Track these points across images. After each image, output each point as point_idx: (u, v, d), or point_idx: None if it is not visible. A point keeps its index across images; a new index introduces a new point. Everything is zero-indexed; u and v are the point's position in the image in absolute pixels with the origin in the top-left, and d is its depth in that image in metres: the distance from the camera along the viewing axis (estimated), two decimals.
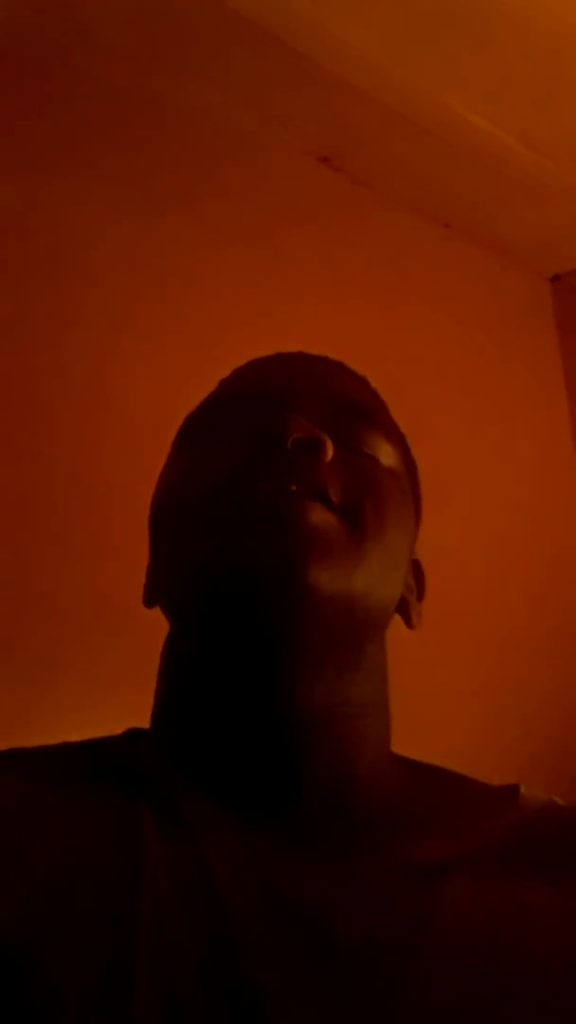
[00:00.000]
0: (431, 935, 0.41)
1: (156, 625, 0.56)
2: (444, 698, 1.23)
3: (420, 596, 0.60)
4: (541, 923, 0.43)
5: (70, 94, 1.15)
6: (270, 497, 0.47)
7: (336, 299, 1.33)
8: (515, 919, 0.43)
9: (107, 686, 0.90)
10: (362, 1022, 0.38)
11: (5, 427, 0.98)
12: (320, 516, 0.48)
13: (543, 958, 0.41)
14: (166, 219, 1.19)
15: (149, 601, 0.58)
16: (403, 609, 0.57)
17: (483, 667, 1.34)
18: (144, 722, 0.55)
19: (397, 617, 0.57)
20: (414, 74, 1.26)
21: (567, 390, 1.73)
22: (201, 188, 1.25)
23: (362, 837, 0.47)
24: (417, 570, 0.60)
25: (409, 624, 0.58)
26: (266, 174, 1.35)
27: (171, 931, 0.40)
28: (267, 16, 1.14)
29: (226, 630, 0.48)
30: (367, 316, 1.37)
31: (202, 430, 0.56)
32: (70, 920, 0.40)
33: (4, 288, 1.02)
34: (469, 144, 1.39)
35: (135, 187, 1.18)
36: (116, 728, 0.55)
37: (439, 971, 0.40)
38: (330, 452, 0.50)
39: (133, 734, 0.54)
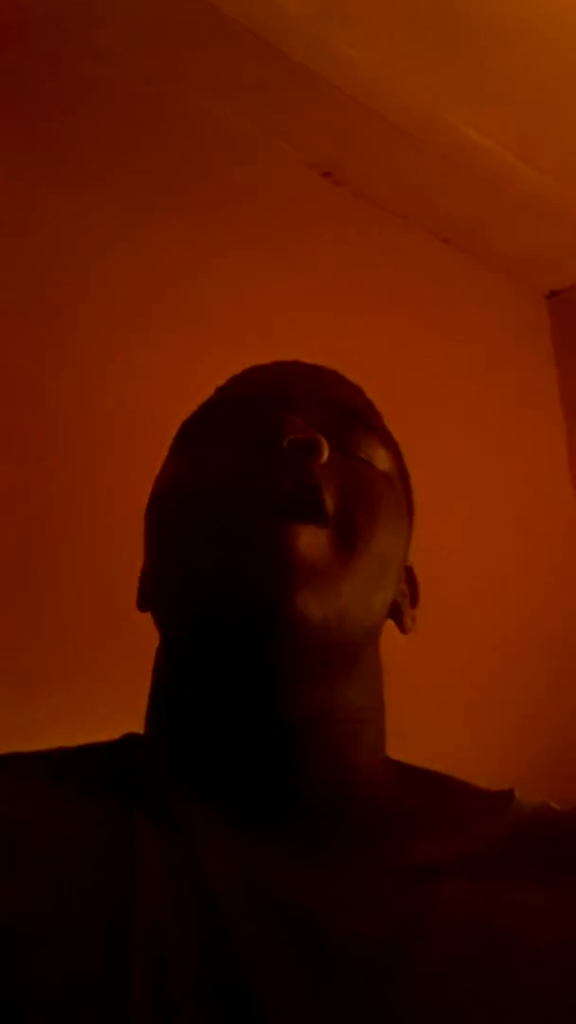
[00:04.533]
0: (427, 936, 0.41)
1: (153, 629, 0.56)
2: (441, 704, 1.23)
3: (413, 602, 0.60)
4: (535, 924, 0.43)
5: (74, 105, 1.16)
6: (263, 519, 0.48)
7: (334, 311, 1.34)
8: (510, 920, 0.43)
9: (104, 691, 0.90)
10: (358, 1022, 0.38)
11: (3, 431, 0.98)
12: (309, 539, 0.48)
13: (538, 958, 0.42)
14: (167, 229, 1.20)
15: (143, 604, 0.58)
16: (396, 615, 0.57)
17: (480, 673, 1.34)
18: (141, 727, 0.55)
19: (393, 624, 0.58)
20: (416, 90, 1.27)
21: (563, 405, 1.74)
22: (203, 199, 1.26)
23: (358, 840, 0.48)
24: (410, 576, 0.60)
25: (403, 629, 0.58)
26: (268, 187, 1.36)
27: (166, 934, 0.40)
28: (270, 29, 1.15)
29: (217, 637, 0.49)
30: (365, 329, 1.37)
31: (198, 434, 0.57)
32: (65, 924, 0.40)
33: (5, 296, 1.02)
34: (469, 160, 1.40)
35: (137, 197, 1.18)
36: (113, 733, 0.55)
37: (435, 971, 0.40)
38: (326, 453, 0.50)
39: (129, 739, 0.54)
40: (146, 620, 0.57)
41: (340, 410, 0.56)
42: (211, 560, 0.48)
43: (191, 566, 0.49)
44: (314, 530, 0.48)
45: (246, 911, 0.41)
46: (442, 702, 1.23)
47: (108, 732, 0.55)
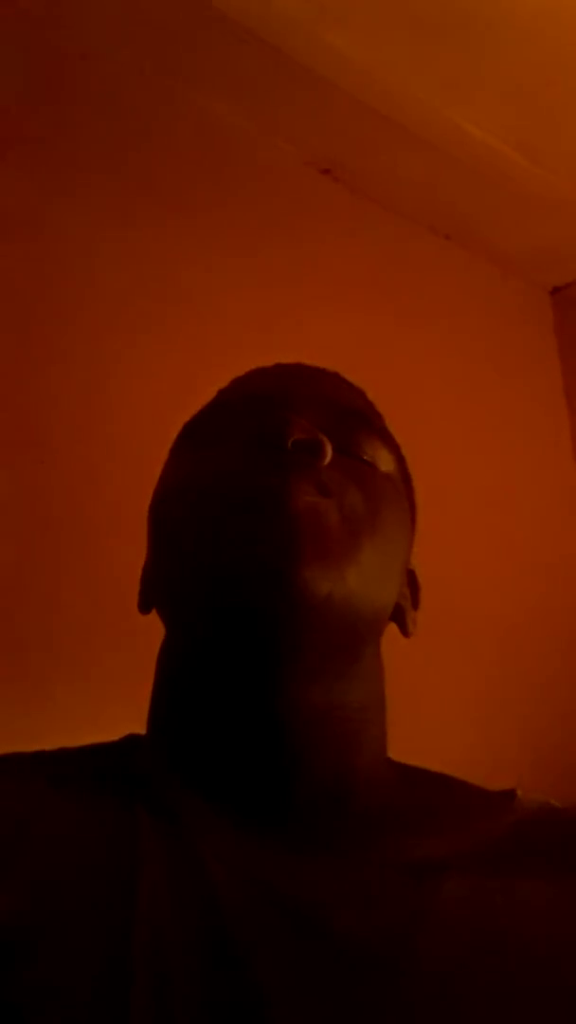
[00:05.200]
0: (429, 931, 0.41)
1: (154, 630, 0.56)
2: (443, 705, 1.23)
3: (415, 605, 0.60)
4: (538, 920, 0.43)
5: (72, 104, 1.16)
6: (267, 483, 0.48)
7: (336, 310, 1.34)
8: (512, 916, 0.43)
9: (106, 692, 0.90)
10: (361, 1018, 0.38)
11: (5, 433, 0.98)
12: (315, 501, 0.48)
13: (540, 955, 0.42)
14: (167, 228, 1.20)
15: (145, 606, 0.58)
16: (399, 617, 0.57)
17: (481, 674, 1.34)
18: (143, 728, 0.55)
19: (394, 626, 0.58)
20: (415, 86, 1.27)
21: (567, 402, 1.73)
22: (203, 198, 1.26)
23: (359, 837, 0.48)
24: (412, 579, 0.60)
25: (405, 632, 0.58)
26: (268, 185, 1.36)
27: (168, 931, 0.40)
28: (268, 28, 1.15)
29: (222, 631, 0.49)
30: (367, 327, 1.37)
31: (202, 434, 0.57)
32: (66, 921, 0.40)
33: (6, 297, 1.02)
34: (470, 156, 1.40)
35: (137, 197, 1.18)
36: (115, 735, 0.55)
37: (437, 967, 0.40)
38: (329, 453, 0.50)
39: (131, 739, 0.54)
40: (147, 622, 0.57)
41: (343, 412, 0.56)
42: (215, 552, 0.48)
43: (196, 561, 0.49)
44: (319, 496, 0.48)
45: (248, 909, 0.41)
46: (443, 702, 1.23)
47: (110, 733, 0.55)
